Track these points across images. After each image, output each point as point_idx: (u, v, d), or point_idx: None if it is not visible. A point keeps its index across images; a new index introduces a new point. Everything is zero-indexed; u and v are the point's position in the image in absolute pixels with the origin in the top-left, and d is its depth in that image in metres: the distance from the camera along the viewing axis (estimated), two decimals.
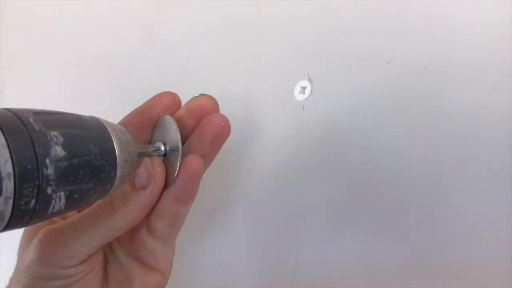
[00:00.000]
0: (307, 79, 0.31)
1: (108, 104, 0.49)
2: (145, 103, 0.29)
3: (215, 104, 0.29)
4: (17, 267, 0.27)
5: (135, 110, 0.30)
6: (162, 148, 0.28)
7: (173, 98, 0.29)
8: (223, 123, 0.28)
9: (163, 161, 0.28)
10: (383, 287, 0.31)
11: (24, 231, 0.29)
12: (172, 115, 0.29)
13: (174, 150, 0.28)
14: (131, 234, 0.30)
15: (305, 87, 0.31)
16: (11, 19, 0.63)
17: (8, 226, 0.19)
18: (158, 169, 0.27)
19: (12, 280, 0.27)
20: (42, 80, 0.57)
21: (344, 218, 0.32)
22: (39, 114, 0.21)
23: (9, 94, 0.60)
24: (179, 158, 0.27)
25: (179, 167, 0.27)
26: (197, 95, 0.29)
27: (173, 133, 0.28)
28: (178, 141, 0.27)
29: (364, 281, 0.31)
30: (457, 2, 0.27)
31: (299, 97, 0.30)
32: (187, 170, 0.27)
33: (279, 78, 0.34)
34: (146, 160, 0.27)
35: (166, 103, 0.29)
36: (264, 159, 0.35)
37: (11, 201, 0.18)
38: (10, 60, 0.61)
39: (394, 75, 0.29)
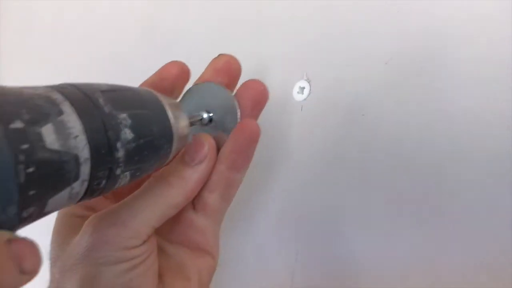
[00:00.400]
0: (305, 79, 0.31)
1: None
2: (153, 76, 0.29)
3: (237, 60, 0.29)
4: (60, 265, 0.25)
5: (144, 83, 0.29)
6: (205, 116, 0.29)
7: (182, 68, 0.28)
8: (262, 88, 0.28)
9: (208, 129, 0.29)
10: (384, 287, 0.31)
11: (53, 232, 0.28)
12: (183, 85, 0.28)
13: (220, 116, 0.29)
14: (175, 219, 0.28)
15: (303, 88, 0.31)
16: (11, 19, 0.63)
17: (81, 200, 0.20)
18: (210, 142, 0.27)
19: (57, 280, 0.25)
20: (42, 80, 0.57)
21: (342, 218, 0.32)
22: (106, 92, 0.21)
23: None
24: (237, 118, 0.28)
25: (236, 129, 0.27)
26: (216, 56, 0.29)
27: (221, 99, 0.28)
28: (231, 103, 0.28)
29: (364, 280, 0.31)
30: (456, 2, 0.27)
31: (298, 97, 0.30)
32: (246, 133, 0.27)
33: (277, 78, 0.34)
34: (196, 135, 0.27)
35: (176, 73, 0.28)
36: (262, 159, 0.35)
37: (86, 183, 0.19)
38: (10, 60, 0.61)
39: (393, 75, 0.29)
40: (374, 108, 0.30)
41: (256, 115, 0.29)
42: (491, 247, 0.27)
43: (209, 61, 0.38)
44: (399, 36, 0.29)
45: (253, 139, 0.27)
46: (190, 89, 0.30)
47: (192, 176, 0.26)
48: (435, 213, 0.29)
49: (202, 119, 0.29)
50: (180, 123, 0.26)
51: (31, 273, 0.15)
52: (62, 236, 0.27)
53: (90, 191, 0.20)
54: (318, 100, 0.32)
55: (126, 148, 0.21)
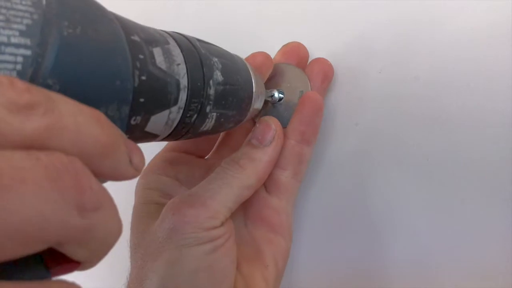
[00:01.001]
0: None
1: None
2: (251, 58, 0.29)
3: (304, 45, 0.31)
4: (142, 252, 0.26)
5: None
6: (276, 95, 0.30)
7: (266, 57, 0.29)
8: (329, 63, 0.30)
9: (279, 106, 0.30)
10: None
11: (133, 219, 0.28)
12: (267, 72, 0.30)
13: (291, 95, 0.30)
14: (250, 201, 0.28)
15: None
16: None
17: (171, 134, 0.21)
18: (276, 123, 0.28)
19: (139, 266, 0.26)
20: None
21: (337, 223, 0.32)
22: (201, 41, 0.23)
23: None
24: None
25: (300, 102, 0.29)
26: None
27: (293, 77, 0.30)
28: (305, 84, 0.30)
29: (360, 283, 0.31)
30: (449, 7, 0.27)
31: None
32: (311, 103, 0.28)
33: None
34: (262, 118, 0.28)
35: (260, 61, 0.29)
36: None
37: (181, 111, 0.20)
38: None
39: (386, 84, 0.29)
40: (367, 117, 0.30)
41: (324, 88, 0.31)
42: (491, 247, 0.26)
43: None
44: (392, 44, 0.29)
45: (317, 108, 0.28)
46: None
47: (262, 157, 0.27)
48: (435, 216, 0.28)
49: (273, 96, 0.30)
50: (260, 86, 0.27)
51: (137, 168, 0.16)
52: (142, 223, 0.27)
53: (183, 123, 0.21)
54: None
55: (216, 89, 0.22)
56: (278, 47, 0.33)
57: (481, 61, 0.26)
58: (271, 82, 0.32)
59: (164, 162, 0.30)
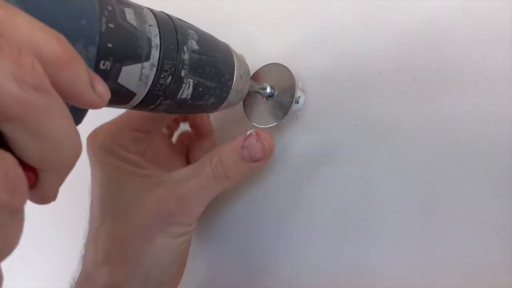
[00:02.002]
0: (300, 89, 0.32)
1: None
2: None
3: None
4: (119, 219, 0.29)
5: None
6: (268, 89, 0.31)
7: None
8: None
9: (269, 103, 0.32)
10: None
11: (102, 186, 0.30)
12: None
13: (280, 93, 0.31)
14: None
15: (299, 97, 0.32)
16: None
17: (148, 95, 0.22)
18: (271, 143, 0.29)
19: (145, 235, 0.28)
20: None
21: (339, 226, 0.31)
22: (180, 20, 0.25)
23: None
24: (293, 99, 0.31)
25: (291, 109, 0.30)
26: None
27: (285, 79, 0.31)
28: (292, 85, 0.31)
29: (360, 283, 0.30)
30: (448, 9, 0.28)
31: (293, 106, 0.31)
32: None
33: None
34: (258, 132, 0.29)
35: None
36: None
37: (154, 69, 0.22)
38: None
39: (386, 84, 0.29)
40: (367, 117, 0.30)
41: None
42: (491, 247, 0.25)
43: None
44: (391, 46, 0.29)
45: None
46: (269, 65, 0.33)
47: (247, 170, 0.29)
48: (435, 219, 0.27)
49: (264, 89, 0.31)
50: (243, 67, 0.28)
51: (101, 96, 0.17)
52: (112, 184, 0.29)
53: (158, 84, 0.22)
54: (312, 109, 0.32)
55: (191, 56, 0.24)
56: (273, 47, 0.34)
57: (481, 61, 0.26)
58: (262, 78, 0.33)
59: (132, 140, 0.31)
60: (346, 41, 0.31)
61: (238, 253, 0.35)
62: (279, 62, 0.33)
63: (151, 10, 0.23)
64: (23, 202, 0.13)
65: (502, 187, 0.25)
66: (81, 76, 0.15)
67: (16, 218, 0.13)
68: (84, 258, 0.30)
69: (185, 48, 0.23)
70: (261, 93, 0.31)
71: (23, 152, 0.14)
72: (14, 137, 0.13)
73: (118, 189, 0.29)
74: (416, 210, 0.28)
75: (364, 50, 0.31)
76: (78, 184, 0.29)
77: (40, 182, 0.15)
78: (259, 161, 0.29)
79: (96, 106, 0.16)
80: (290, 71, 0.32)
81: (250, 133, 0.29)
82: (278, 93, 0.31)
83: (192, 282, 0.37)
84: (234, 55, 0.27)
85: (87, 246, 0.30)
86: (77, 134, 0.15)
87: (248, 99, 0.32)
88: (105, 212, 0.29)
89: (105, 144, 0.30)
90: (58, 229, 0.47)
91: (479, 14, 0.27)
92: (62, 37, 0.15)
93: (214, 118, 0.36)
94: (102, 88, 0.16)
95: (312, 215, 0.32)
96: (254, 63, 0.32)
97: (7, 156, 0.13)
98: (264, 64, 0.33)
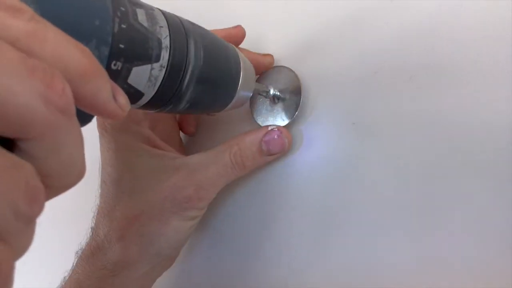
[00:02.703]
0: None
1: None
2: (220, 31, 0.31)
3: None
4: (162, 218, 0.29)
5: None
6: (272, 92, 0.32)
7: (243, 34, 0.33)
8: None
9: (275, 105, 0.32)
10: None
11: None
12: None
13: (285, 96, 0.32)
14: None
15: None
16: None
17: (155, 96, 0.22)
18: (290, 139, 0.31)
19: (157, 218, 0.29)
20: None
21: (335, 223, 0.31)
22: (190, 22, 0.25)
23: None
24: (300, 103, 0.32)
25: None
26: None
27: (290, 83, 0.32)
28: (298, 90, 0.32)
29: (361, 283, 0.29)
30: (444, 9, 0.28)
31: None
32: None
33: None
34: (279, 128, 0.31)
35: (242, 37, 0.33)
36: None
37: (164, 70, 0.22)
38: None
39: (382, 84, 0.30)
40: (364, 116, 0.30)
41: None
42: (491, 247, 0.25)
43: None
44: (387, 46, 0.30)
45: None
46: (271, 68, 0.34)
47: (263, 162, 0.32)
48: (433, 218, 0.27)
49: (268, 92, 0.31)
50: (248, 72, 0.28)
51: (122, 107, 0.17)
52: (127, 157, 0.30)
53: (166, 86, 0.22)
54: (309, 109, 0.32)
55: (200, 58, 0.24)
56: (274, 47, 0.34)
57: (477, 59, 0.27)
58: (266, 80, 0.33)
59: (143, 113, 0.32)
60: (342, 41, 0.32)
61: (234, 250, 0.36)
62: (282, 65, 0.33)
63: (162, 12, 0.23)
64: (40, 212, 0.14)
65: (501, 185, 0.25)
66: (104, 88, 0.16)
67: (30, 226, 0.14)
68: (95, 231, 0.31)
69: (194, 50, 0.23)
70: (265, 96, 0.32)
71: (34, 159, 0.14)
72: (29, 153, 0.14)
73: (134, 171, 0.30)
74: (412, 209, 0.28)
75: (361, 49, 0.31)
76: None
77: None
78: (275, 155, 0.31)
79: (117, 117, 0.17)
80: (296, 75, 0.32)
81: (272, 129, 0.31)
82: (285, 95, 0.32)
83: (190, 278, 0.37)
84: (240, 58, 0.28)
85: (99, 221, 0.31)
86: (84, 161, 0.16)
87: (255, 101, 0.33)
88: (121, 191, 0.30)
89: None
90: (55, 228, 0.47)
91: (474, 12, 0.27)
92: (86, 50, 0.15)
93: (220, 117, 0.37)
94: (123, 100, 0.17)
95: (309, 214, 0.32)
96: None
97: (28, 165, 0.13)
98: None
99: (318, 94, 0.32)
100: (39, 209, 0.13)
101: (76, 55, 0.14)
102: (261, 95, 0.32)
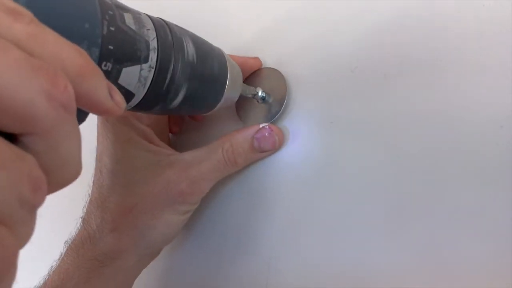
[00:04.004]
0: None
1: None
2: (238, 58, 0.33)
3: None
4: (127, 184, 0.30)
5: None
6: (260, 93, 0.33)
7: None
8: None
9: (261, 105, 0.33)
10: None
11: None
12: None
13: (271, 97, 0.33)
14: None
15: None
16: None
17: (146, 96, 0.23)
18: (281, 137, 0.32)
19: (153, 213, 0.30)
20: None
21: (319, 223, 0.31)
22: (176, 26, 0.26)
23: None
24: (283, 105, 0.33)
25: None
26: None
27: (277, 85, 0.33)
28: (283, 93, 0.33)
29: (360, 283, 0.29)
30: (421, 7, 0.28)
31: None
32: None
33: None
34: (271, 126, 0.32)
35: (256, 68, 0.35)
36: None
37: (152, 71, 0.23)
38: None
39: (359, 82, 0.30)
40: (342, 115, 0.31)
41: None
42: (489, 247, 0.25)
43: None
44: (363, 43, 0.30)
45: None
46: (265, 70, 0.35)
47: (254, 158, 0.33)
48: (425, 215, 0.27)
49: (256, 94, 0.32)
50: (235, 72, 0.29)
51: (119, 105, 0.18)
52: (123, 149, 0.31)
53: (155, 86, 0.23)
54: (289, 108, 0.33)
55: (187, 60, 0.25)
56: (255, 49, 0.35)
57: (453, 56, 0.27)
58: (253, 81, 0.34)
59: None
60: (319, 40, 0.32)
61: (216, 245, 0.36)
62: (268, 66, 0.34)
63: (149, 16, 0.24)
64: (42, 201, 0.14)
65: (481, 182, 0.25)
66: (102, 86, 0.16)
67: (33, 216, 0.14)
68: (87, 221, 0.31)
69: (181, 52, 0.24)
70: (252, 97, 0.33)
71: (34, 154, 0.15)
72: (30, 148, 0.14)
73: (130, 163, 0.30)
74: (390, 206, 0.28)
75: (337, 47, 0.31)
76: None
77: None
78: (267, 152, 0.32)
79: (114, 114, 0.17)
80: (282, 75, 0.33)
81: (263, 126, 0.31)
82: (269, 96, 0.33)
83: (171, 270, 0.38)
84: (227, 60, 0.29)
85: (90, 211, 0.31)
86: (81, 159, 0.16)
87: (241, 101, 0.34)
88: (115, 183, 0.30)
89: None
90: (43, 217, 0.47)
91: (450, 5, 0.27)
92: (83, 51, 0.16)
93: (207, 116, 0.37)
94: (119, 97, 0.18)
95: (292, 212, 0.32)
96: None
97: (30, 157, 0.14)
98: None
99: (294, 93, 0.33)
100: (42, 198, 0.14)
101: (74, 56, 0.15)
102: (248, 96, 0.33)
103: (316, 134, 0.32)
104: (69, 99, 0.14)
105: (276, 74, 0.33)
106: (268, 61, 0.35)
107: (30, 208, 0.14)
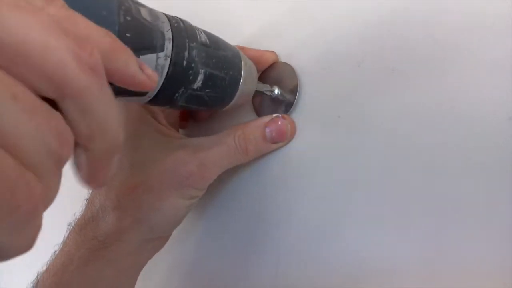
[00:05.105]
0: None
1: None
2: (253, 51, 0.33)
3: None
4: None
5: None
6: (276, 92, 0.33)
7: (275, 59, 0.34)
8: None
9: (273, 100, 0.33)
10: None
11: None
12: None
13: (286, 94, 0.33)
14: None
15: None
16: None
17: (163, 86, 0.24)
18: (294, 129, 0.32)
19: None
20: None
21: (326, 221, 0.30)
22: (189, 23, 0.27)
23: None
24: (295, 100, 0.33)
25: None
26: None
27: (290, 81, 0.33)
28: (296, 86, 0.33)
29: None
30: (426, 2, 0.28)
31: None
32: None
33: None
34: (286, 117, 0.32)
35: (271, 63, 0.34)
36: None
37: (168, 60, 0.24)
38: None
39: (366, 76, 0.30)
40: (349, 109, 0.30)
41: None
42: (491, 246, 0.24)
43: None
44: (370, 38, 0.30)
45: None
46: (278, 64, 0.35)
47: (265, 149, 0.32)
48: (427, 213, 0.26)
49: (272, 92, 0.33)
50: (250, 67, 0.30)
51: (151, 78, 0.19)
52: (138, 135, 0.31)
53: (172, 75, 0.24)
54: (296, 103, 0.33)
55: (201, 48, 0.26)
56: (264, 42, 0.36)
57: (461, 51, 0.27)
58: (266, 75, 0.35)
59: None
60: (325, 34, 0.32)
61: (224, 241, 0.36)
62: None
63: (163, 13, 0.25)
64: (68, 156, 0.15)
65: (498, 182, 0.24)
66: (132, 61, 0.18)
67: (59, 170, 0.15)
68: (91, 201, 0.31)
69: (195, 42, 0.25)
70: (269, 95, 0.33)
71: (73, 129, 0.15)
72: (67, 113, 0.15)
73: (139, 141, 0.30)
74: (398, 202, 0.27)
75: (344, 41, 0.31)
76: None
77: (86, 163, 0.17)
78: (277, 143, 0.32)
79: (147, 86, 0.18)
80: (293, 69, 0.33)
81: (276, 116, 0.31)
82: (282, 90, 0.33)
83: (179, 268, 0.38)
84: (241, 55, 0.29)
85: (95, 191, 0.31)
86: (120, 122, 0.17)
87: (256, 97, 0.34)
88: (123, 161, 0.30)
89: None
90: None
91: (457, 1, 0.27)
92: (110, 33, 0.17)
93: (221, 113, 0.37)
94: (150, 71, 0.19)
95: (298, 206, 0.32)
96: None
97: (58, 114, 0.15)
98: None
99: (305, 87, 0.33)
100: (68, 152, 0.15)
101: (103, 35, 0.17)
102: (263, 92, 0.33)
103: (323, 128, 0.32)
104: (96, 62, 0.15)
105: (288, 68, 0.34)
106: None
107: (57, 161, 0.14)
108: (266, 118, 0.32)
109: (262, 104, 0.35)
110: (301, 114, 0.33)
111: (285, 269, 0.32)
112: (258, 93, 0.33)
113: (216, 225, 0.36)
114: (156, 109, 0.32)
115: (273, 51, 0.35)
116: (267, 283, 0.32)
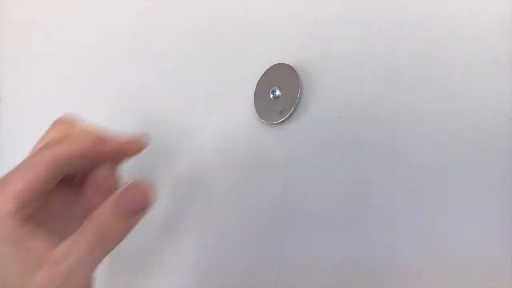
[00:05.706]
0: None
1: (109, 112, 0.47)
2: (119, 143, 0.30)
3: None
4: None
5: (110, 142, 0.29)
6: (277, 92, 0.33)
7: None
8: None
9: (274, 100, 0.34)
10: None
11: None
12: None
13: (286, 93, 0.33)
14: None
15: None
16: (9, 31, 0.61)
17: None
18: (149, 194, 0.27)
19: None
20: (41, 88, 0.55)
21: (326, 221, 0.31)
22: None
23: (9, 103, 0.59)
24: (296, 100, 0.32)
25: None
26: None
27: (291, 82, 0.33)
28: (297, 88, 0.32)
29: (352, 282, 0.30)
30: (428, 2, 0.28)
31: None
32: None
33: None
34: (136, 183, 0.27)
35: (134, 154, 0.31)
36: (242, 162, 0.35)
37: None
38: (8, 67, 0.59)
39: (368, 77, 0.30)
40: (351, 110, 0.30)
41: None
42: (490, 246, 0.26)
43: (199, 71, 0.39)
44: (371, 39, 0.30)
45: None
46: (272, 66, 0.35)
47: (128, 227, 0.27)
48: (427, 213, 0.27)
49: (274, 92, 0.34)
50: None
51: None
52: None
53: None
54: (298, 104, 0.33)
55: None
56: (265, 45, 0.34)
57: (461, 53, 0.27)
58: (267, 77, 0.34)
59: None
60: (326, 34, 0.32)
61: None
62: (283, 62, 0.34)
63: None
64: None
65: (487, 179, 0.25)
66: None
67: None
68: None
69: None
70: (271, 97, 0.33)
71: None
72: None
73: None
74: (395, 203, 0.28)
75: (346, 42, 0.31)
76: None
77: None
78: (138, 214, 0.27)
79: None
80: (294, 71, 0.33)
81: (124, 188, 0.27)
82: (283, 92, 0.33)
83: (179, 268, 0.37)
84: None
85: None
86: None
87: (257, 98, 0.35)
88: None
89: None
90: None
91: (458, 2, 0.27)
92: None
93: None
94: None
95: (300, 208, 0.32)
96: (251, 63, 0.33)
97: None
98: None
99: (306, 89, 0.33)
100: None
101: None
102: (268, 97, 0.33)
103: (324, 129, 0.31)
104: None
105: (289, 69, 0.33)
106: (277, 57, 0.34)
107: None
108: (113, 197, 0.27)
109: (263, 105, 0.34)
110: (302, 114, 0.32)
111: (288, 266, 0.32)
112: (258, 94, 0.33)
113: (217, 227, 0.36)
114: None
115: (139, 138, 0.31)
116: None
